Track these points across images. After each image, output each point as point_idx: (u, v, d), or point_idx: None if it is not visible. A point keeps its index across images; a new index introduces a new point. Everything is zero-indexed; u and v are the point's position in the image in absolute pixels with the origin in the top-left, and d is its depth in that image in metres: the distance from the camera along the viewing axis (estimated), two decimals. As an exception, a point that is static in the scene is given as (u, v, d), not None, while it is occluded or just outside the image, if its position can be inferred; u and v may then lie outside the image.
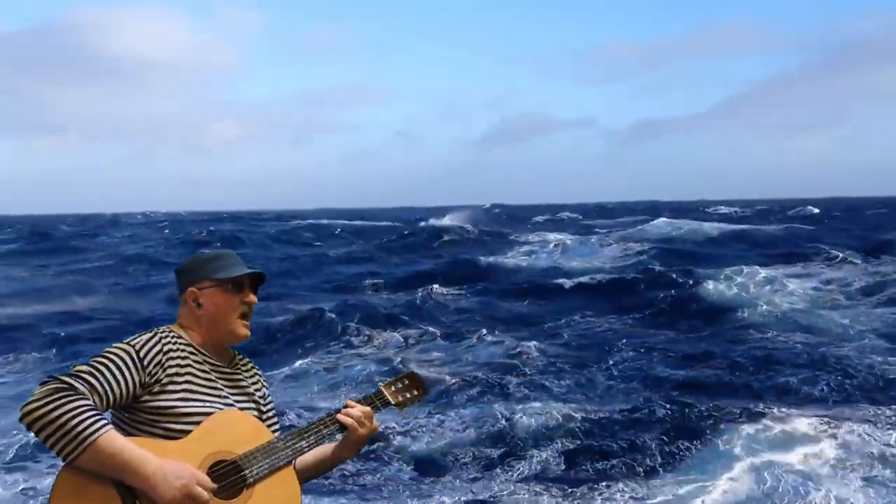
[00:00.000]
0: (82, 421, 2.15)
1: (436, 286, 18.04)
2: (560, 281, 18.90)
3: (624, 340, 12.39)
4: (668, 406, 8.55)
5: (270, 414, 2.63)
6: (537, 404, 8.80)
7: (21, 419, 2.17)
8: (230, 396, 2.48)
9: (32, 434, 2.19)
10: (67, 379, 2.22)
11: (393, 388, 2.74)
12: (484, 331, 12.88)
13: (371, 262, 27.77)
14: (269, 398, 2.67)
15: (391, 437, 8.07)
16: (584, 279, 18.96)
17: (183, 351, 2.44)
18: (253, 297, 2.58)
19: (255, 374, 2.66)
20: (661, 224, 38.41)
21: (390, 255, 30.07)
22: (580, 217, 63.42)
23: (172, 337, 2.46)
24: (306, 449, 2.51)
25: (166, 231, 51.07)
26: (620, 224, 44.92)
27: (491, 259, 24.73)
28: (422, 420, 8.40)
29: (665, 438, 7.63)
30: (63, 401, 2.16)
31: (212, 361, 2.50)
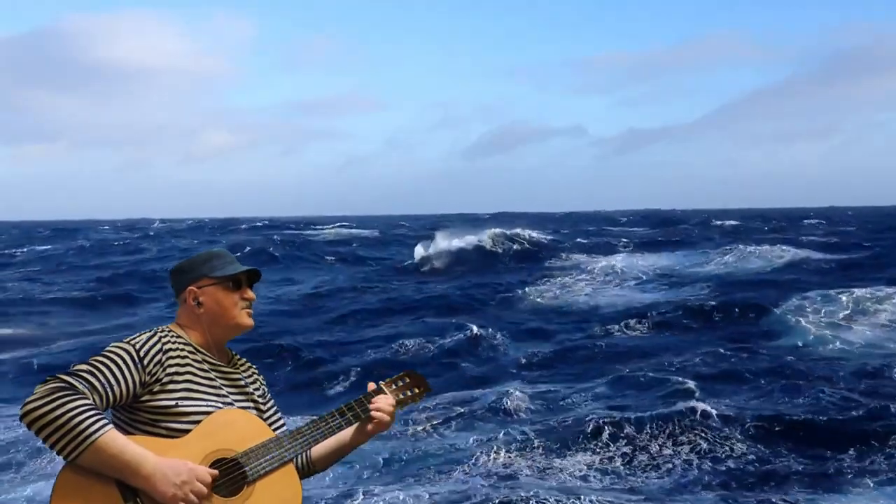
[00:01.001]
0: (83, 420, 2.15)
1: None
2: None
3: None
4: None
5: (272, 412, 2.64)
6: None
7: (21, 418, 2.17)
8: (229, 395, 2.49)
9: (32, 433, 2.18)
10: (67, 378, 2.22)
11: (393, 387, 2.74)
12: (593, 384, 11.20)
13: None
14: (269, 396, 2.68)
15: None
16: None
17: (182, 350, 2.45)
18: (251, 294, 2.62)
19: (253, 373, 2.67)
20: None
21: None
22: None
23: (172, 336, 2.47)
24: (317, 441, 2.53)
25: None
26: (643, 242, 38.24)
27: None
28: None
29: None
30: (63, 400, 2.16)
31: (211, 360, 2.51)
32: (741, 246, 28.99)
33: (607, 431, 8.65)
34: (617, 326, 15.81)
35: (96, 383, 2.25)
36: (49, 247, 43.18)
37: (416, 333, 15.13)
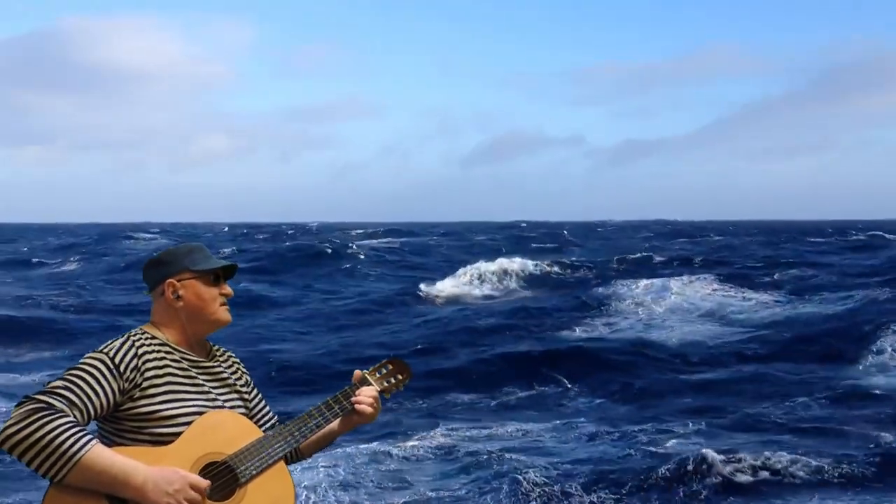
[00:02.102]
0: (66, 440, 2.10)
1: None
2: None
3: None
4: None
5: (256, 400, 2.61)
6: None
7: (0, 445, 2.11)
8: (213, 391, 2.44)
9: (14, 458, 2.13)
10: (43, 397, 2.16)
11: (377, 375, 2.73)
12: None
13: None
14: (253, 384, 2.64)
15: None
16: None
17: (159, 352, 2.39)
18: (230, 290, 2.57)
19: (234, 362, 2.63)
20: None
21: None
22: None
23: (146, 338, 2.41)
24: (305, 438, 2.52)
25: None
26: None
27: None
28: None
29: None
30: (42, 421, 2.10)
31: (190, 357, 2.45)
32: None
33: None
34: (694, 359, 14.07)
35: (74, 398, 2.19)
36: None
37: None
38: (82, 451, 2.11)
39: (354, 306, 21.53)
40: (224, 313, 2.54)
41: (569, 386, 12.51)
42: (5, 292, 23.32)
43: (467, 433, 9.62)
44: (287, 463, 2.49)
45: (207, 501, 2.26)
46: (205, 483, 2.25)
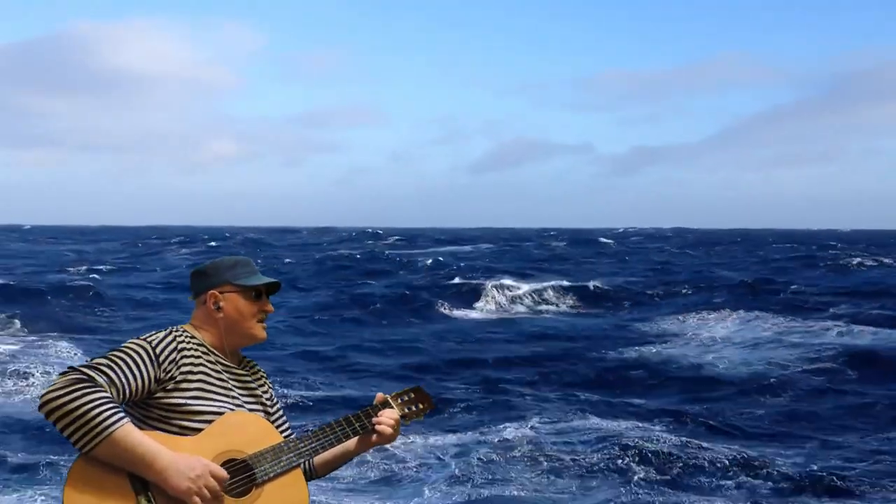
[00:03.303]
0: (101, 413, 2.19)
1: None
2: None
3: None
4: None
5: (279, 415, 2.69)
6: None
7: (40, 408, 2.21)
8: (240, 397, 2.53)
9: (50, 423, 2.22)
10: (87, 370, 2.26)
11: (399, 401, 2.79)
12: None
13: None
14: (276, 400, 2.72)
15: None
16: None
17: (196, 350, 2.49)
18: (271, 307, 2.66)
19: (262, 376, 2.72)
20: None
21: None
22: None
23: (186, 336, 2.51)
24: (325, 448, 2.57)
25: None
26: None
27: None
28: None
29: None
30: (83, 392, 2.19)
31: (224, 362, 2.55)
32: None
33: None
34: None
35: (114, 377, 2.29)
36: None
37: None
38: (114, 427, 2.20)
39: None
40: (260, 330, 2.63)
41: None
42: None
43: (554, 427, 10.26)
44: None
45: (224, 495, 2.32)
46: (225, 474, 2.32)
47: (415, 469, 8.69)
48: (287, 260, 41.83)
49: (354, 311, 22.86)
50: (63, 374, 2.26)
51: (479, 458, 8.83)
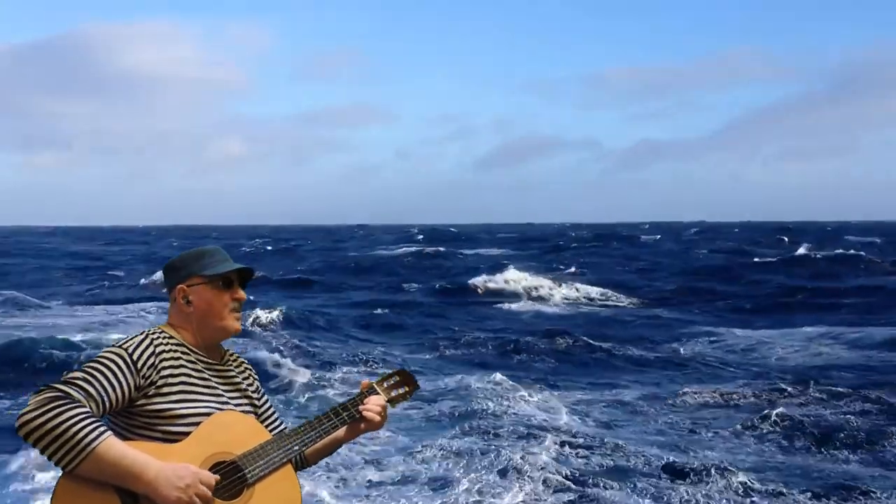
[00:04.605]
0: (81, 429, 2.12)
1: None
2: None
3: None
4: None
5: (266, 406, 2.64)
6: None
7: (17, 431, 2.13)
8: (225, 395, 2.47)
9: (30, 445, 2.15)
10: (62, 387, 2.19)
11: (385, 385, 2.76)
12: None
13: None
14: (263, 391, 2.67)
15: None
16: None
17: (175, 351, 2.42)
18: (242, 294, 2.57)
19: (246, 368, 2.66)
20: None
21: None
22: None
23: (164, 337, 2.44)
24: (314, 442, 2.54)
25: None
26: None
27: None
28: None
29: None
30: (59, 409, 2.12)
31: (205, 360, 2.49)
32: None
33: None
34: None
35: (91, 390, 2.22)
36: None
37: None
38: (96, 442, 2.13)
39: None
40: (232, 322, 2.53)
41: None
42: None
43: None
44: (294, 469, 2.51)
45: (215, 499, 2.28)
46: (214, 478, 2.27)
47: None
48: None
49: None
50: (37, 392, 2.18)
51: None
